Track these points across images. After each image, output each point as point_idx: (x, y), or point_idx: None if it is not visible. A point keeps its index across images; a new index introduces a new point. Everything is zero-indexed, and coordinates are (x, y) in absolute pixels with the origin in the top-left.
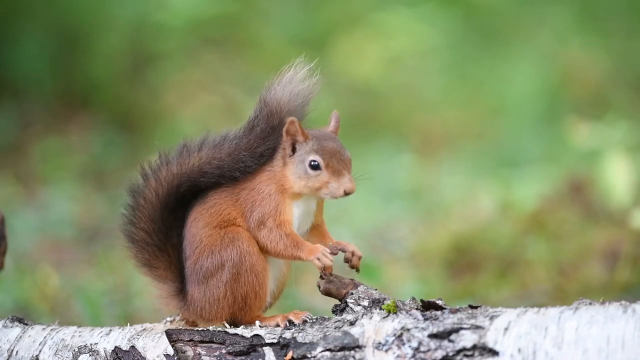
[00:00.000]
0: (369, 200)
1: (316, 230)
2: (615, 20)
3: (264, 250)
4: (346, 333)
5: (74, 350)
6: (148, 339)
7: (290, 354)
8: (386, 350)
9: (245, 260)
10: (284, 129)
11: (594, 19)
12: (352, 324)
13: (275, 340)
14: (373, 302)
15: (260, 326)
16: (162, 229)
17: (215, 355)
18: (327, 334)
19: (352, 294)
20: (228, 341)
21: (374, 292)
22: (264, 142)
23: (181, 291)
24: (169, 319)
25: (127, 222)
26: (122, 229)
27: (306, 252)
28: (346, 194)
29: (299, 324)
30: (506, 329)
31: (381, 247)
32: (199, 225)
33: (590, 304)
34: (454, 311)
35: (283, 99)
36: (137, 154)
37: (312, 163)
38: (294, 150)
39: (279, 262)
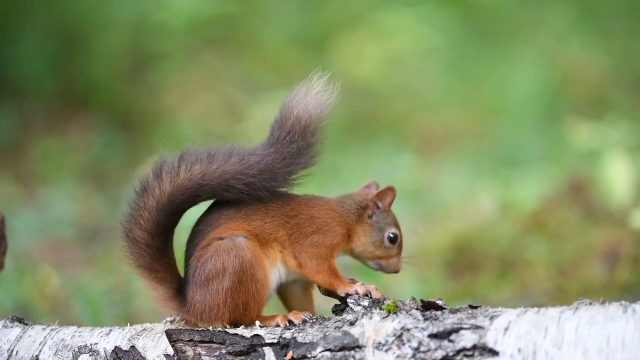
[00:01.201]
0: None
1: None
2: (615, 20)
3: (301, 267)
4: (346, 333)
5: (74, 350)
6: (148, 339)
7: (290, 354)
8: (386, 350)
9: (247, 269)
10: (378, 192)
11: (594, 19)
12: (352, 324)
13: (275, 340)
14: (373, 302)
15: (260, 326)
16: (165, 232)
17: (215, 355)
18: (327, 334)
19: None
20: (228, 341)
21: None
22: (297, 160)
23: (179, 293)
24: (169, 319)
25: (131, 221)
26: (124, 229)
27: (342, 285)
28: (397, 272)
29: (298, 324)
30: (506, 329)
31: None
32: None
33: (590, 304)
34: (454, 311)
35: (314, 112)
36: (137, 154)
37: (391, 236)
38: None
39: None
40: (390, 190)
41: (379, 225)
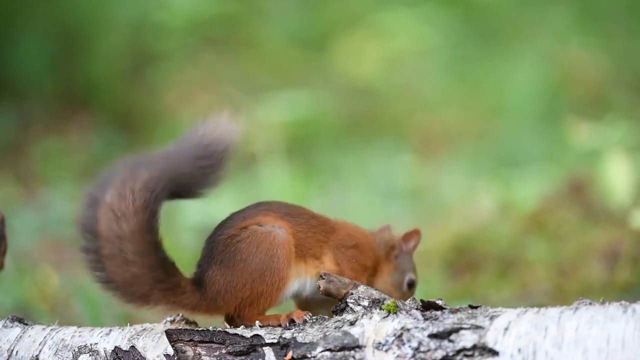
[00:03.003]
0: (369, 200)
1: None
2: (615, 21)
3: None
4: (346, 333)
5: (74, 350)
6: (148, 339)
7: (290, 354)
8: (386, 350)
9: (275, 263)
10: (405, 234)
11: (594, 19)
12: (352, 324)
13: (275, 340)
14: (373, 302)
15: (260, 326)
16: (153, 251)
17: (215, 355)
18: (327, 334)
19: (352, 294)
20: (228, 341)
21: (374, 292)
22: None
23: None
24: (169, 319)
25: (103, 271)
26: (107, 287)
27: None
28: None
29: (299, 324)
30: (506, 329)
31: None
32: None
33: (590, 304)
34: (454, 311)
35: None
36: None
37: (410, 281)
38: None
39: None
40: (416, 233)
41: (402, 267)
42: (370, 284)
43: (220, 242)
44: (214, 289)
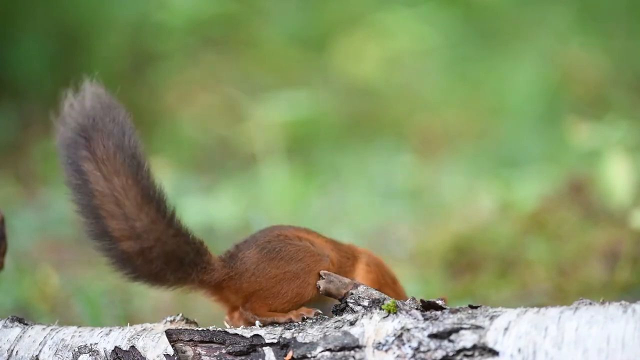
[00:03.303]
0: (369, 200)
1: None
2: (615, 21)
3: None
4: (346, 333)
5: (74, 350)
6: (148, 339)
7: (290, 354)
8: (386, 350)
9: (309, 279)
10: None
11: (594, 19)
12: (352, 324)
13: (275, 340)
14: (373, 302)
15: (260, 326)
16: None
17: (215, 355)
18: (327, 334)
19: (352, 294)
20: (228, 341)
21: (374, 292)
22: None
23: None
24: (169, 318)
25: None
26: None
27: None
28: None
29: (298, 323)
30: (506, 329)
31: (381, 247)
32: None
33: (590, 304)
34: (454, 311)
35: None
36: None
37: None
38: None
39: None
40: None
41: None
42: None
43: (271, 233)
44: (244, 267)
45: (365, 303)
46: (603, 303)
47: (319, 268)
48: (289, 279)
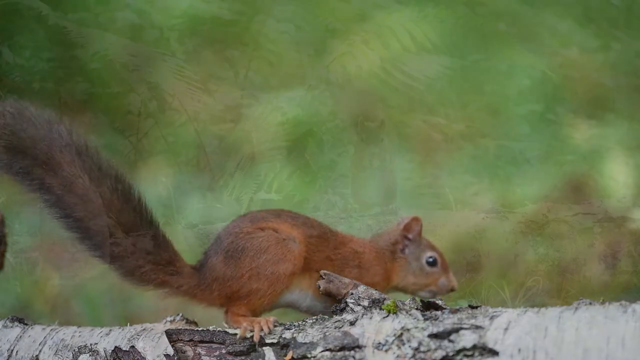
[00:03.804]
0: (369, 200)
1: None
2: (615, 21)
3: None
4: (346, 333)
5: (74, 350)
6: (148, 339)
7: (290, 354)
8: (386, 350)
9: (280, 270)
10: (404, 225)
11: (594, 19)
12: (352, 324)
13: (275, 340)
14: (373, 302)
15: (234, 328)
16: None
17: (215, 355)
18: (327, 334)
19: (352, 294)
20: (228, 341)
21: (374, 292)
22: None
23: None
24: (169, 319)
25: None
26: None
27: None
28: (452, 290)
29: (265, 333)
30: (506, 329)
31: None
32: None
33: (590, 304)
34: (454, 311)
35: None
36: (137, 155)
37: (429, 259)
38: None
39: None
40: (415, 220)
41: (414, 255)
42: (395, 288)
43: (233, 234)
44: (214, 275)
45: (365, 303)
46: (603, 303)
47: (287, 253)
48: (259, 273)
